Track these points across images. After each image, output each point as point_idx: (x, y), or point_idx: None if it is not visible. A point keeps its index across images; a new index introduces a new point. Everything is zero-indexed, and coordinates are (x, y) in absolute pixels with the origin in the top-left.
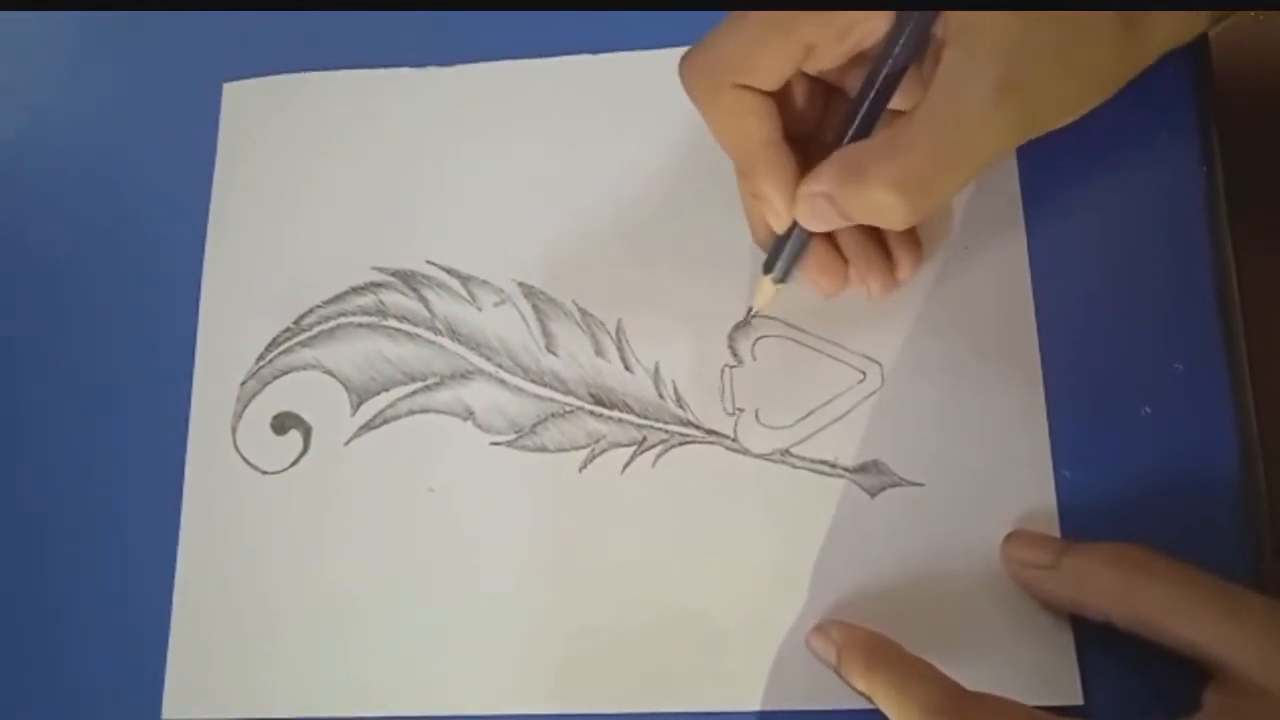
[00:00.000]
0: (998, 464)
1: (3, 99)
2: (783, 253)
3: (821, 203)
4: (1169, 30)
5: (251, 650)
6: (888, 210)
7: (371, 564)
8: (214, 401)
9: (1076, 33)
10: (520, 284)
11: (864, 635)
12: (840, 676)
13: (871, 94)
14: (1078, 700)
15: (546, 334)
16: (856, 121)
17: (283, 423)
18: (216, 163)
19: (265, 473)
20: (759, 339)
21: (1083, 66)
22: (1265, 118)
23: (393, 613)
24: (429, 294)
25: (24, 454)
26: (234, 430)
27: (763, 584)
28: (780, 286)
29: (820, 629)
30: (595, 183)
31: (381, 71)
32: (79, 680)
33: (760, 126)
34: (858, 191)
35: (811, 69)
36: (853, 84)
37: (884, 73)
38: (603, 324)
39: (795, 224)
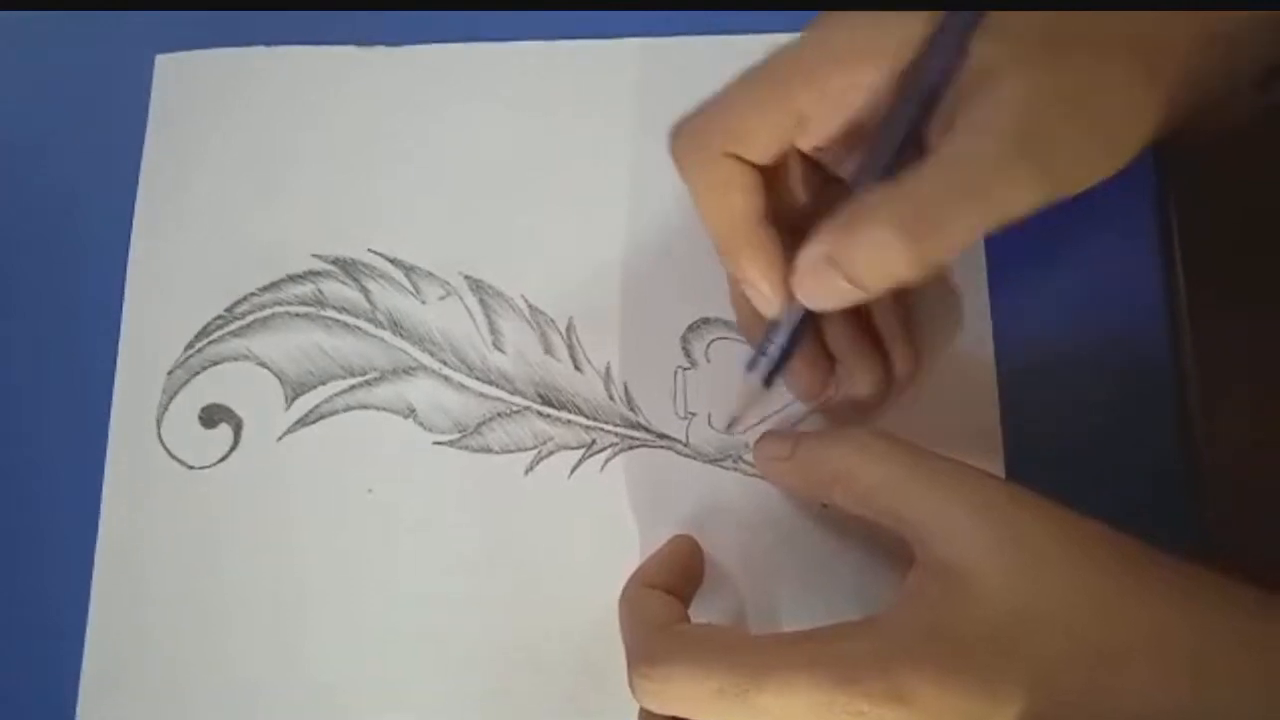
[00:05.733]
0: None
1: None
2: (768, 350)
3: (824, 268)
4: (1194, 90)
5: (173, 657)
6: (889, 250)
7: (305, 566)
8: (138, 391)
9: (1096, 79)
10: (467, 277)
11: None
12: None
13: (883, 144)
14: None
15: (494, 330)
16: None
17: (212, 415)
18: (146, 138)
19: (192, 468)
20: (713, 341)
21: (1102, 117)
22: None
23: (328, 618)
24: (370, 284)
25: None
26: (159, 422)
27: (712, 590)
28: (765, 391)
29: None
30: (549, 174)
31: (326, 49)
32: None
33: (745, 201)
34: (861, 235)
35: (806, 144)
36: (850, 170)
37: (900, 118)
38: (553, 321)
39: (785, 314)
